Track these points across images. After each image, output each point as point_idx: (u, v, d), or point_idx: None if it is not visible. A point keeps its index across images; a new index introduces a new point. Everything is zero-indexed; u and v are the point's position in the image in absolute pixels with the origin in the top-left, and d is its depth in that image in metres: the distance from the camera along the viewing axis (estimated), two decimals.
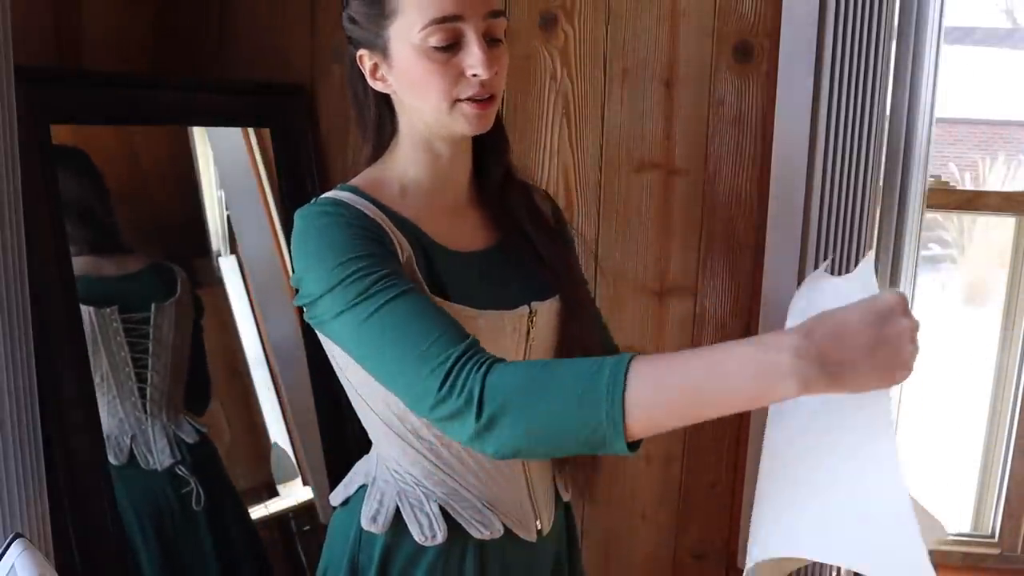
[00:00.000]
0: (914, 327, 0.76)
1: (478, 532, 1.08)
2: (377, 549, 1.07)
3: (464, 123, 1.01)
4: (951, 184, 1.85)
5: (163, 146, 1.72)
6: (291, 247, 1.00)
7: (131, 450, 1.51)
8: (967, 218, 6.30)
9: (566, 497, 1.22)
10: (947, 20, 1.59)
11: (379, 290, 0.92)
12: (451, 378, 0.86)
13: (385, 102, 1.07)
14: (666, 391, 0.81)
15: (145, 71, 1.69)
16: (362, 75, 1.05)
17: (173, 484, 1.56)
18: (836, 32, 1.53)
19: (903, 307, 0.76)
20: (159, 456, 1.54)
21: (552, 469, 1.19)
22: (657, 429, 0.82)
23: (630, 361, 0.81)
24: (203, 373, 1.70)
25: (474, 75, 0.98)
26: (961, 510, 2.00)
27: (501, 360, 0.87)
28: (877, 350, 0.75)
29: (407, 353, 0.89)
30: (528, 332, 1.09)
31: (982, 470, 1.93)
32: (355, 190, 1.04)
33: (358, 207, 1.00)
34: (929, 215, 1.69)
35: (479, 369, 0.86)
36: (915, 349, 0.76)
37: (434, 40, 0.97)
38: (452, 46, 0.98)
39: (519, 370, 0.86)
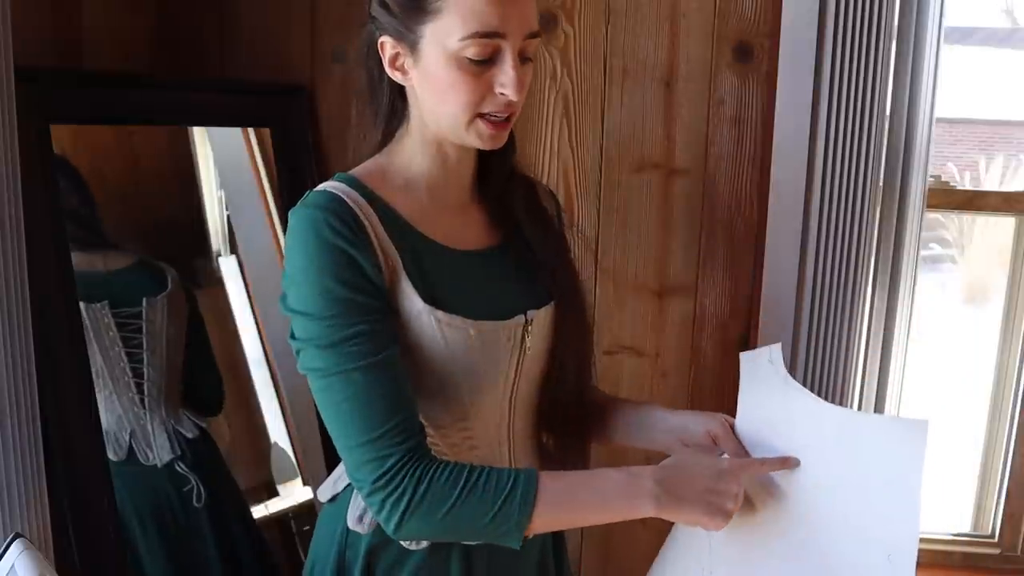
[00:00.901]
0: (740, 490, 0.99)
1: None
2: (363, 548, 1.07)
3: (478, 139, 1.01)
4: (951, 184, 1.85)
5: (163, 146, 1.72)
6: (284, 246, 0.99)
7: (131, 446, 1.51)
8: (967, 218, 6.29)
9: None
10: (947, 20, 1.59)
11: (348, 351, 0.94)
12: (386, 478, 0.94)
13: (399, 91, 1.05)
14: (561, 505, 0.98)
15: (145, 71, 1.69)
16: (379, 60, 1.02)
17: (173, 481, 1.56)
18: (836, 32, 1.53)
19: (737, 473, 1.00)
20: (159, 451, 1.54)
21: None
22: (548, 530, 1.11)
23: (537, 482, 0.96)
24: (212, 372, 1.70)
25: (502, 94, 0.97)
26: (961, 510, 2.00)
27: (436, 465, 0.95)
28: (710, 496, 0.97)
29: (354, 433, 0.96)
30: (523, 341, 1.07)
31: (982, 470, 1.93)
32: (353, 182, 1.02)
33: (351, 206, 0.97)
34: (929, 215, 1.69)
35: (414, 475, 0.94)
36: (735, 506, 0.98)
37: (471, 52, 0.95)
38: (486, 60, 0.96)
39: (447, 485, 0.94)
